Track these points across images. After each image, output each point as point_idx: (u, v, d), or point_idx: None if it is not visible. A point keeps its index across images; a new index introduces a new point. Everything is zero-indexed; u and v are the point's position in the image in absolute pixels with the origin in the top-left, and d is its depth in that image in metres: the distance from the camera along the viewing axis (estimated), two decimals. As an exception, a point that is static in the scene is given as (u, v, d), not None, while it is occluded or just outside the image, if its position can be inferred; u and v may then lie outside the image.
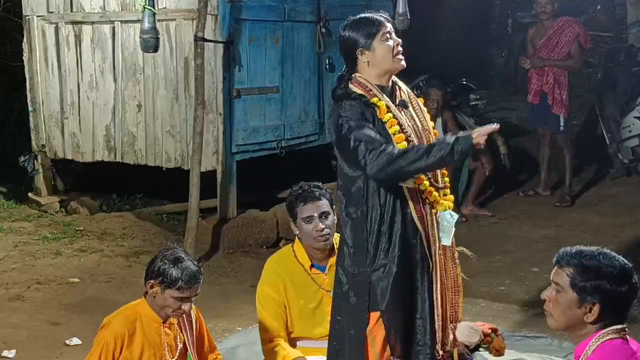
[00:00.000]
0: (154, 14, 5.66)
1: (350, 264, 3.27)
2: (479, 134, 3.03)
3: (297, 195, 3.70)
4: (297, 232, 3.74)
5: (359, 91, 3.25)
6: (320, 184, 3.79)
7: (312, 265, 3.78)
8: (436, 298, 3.29)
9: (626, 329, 2.52)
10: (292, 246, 3.84)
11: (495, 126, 3.06)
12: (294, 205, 3.70)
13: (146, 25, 5.64)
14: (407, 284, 3.24)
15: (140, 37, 5.75)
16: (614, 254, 2.54)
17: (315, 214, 3.65)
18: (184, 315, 3.44)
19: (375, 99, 3.24)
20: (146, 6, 5.58)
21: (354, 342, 3.27)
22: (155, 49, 5.79)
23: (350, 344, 3.30)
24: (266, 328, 3.74)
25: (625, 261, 2.52)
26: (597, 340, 2.48)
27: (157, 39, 5.70)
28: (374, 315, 3.24)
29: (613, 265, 2.49)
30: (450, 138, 3.06)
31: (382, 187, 3.20)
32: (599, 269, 2.48)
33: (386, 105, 3.26)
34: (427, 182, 3.24)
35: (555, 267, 2.56)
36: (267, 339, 3.74)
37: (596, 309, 2.48)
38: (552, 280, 2.57)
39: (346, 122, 3.19)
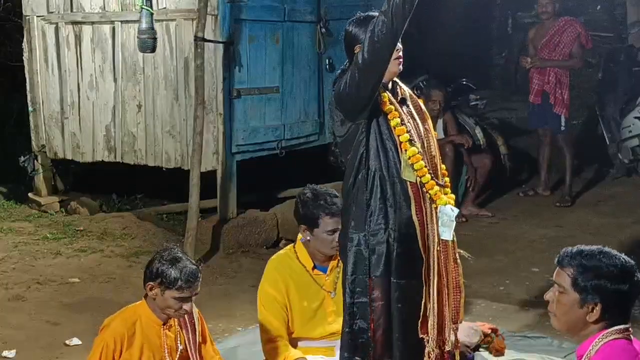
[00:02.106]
0: (152, 14, 5.67)
1: (352, 227, 3.26)
2: None
3: (320, 206, 3.65)
4: (309, 238, 3.71)
5: None
6: (334, 191, 3.77)
7: (314, 267, 3.78)
8: (432, 296, 3.27)
9: (630, 329, 2.51)
10: (294, 247, 3.84)
11: None
12: (317, 214, 3.64)
13: (144, 25, 5.66)
14: (399, 265, 3.24)
15: (137, 38, 5.76)
16: (615, 252, 2.53)
17: (338, 227, 3.63)
18: (186, 316, 3.45)
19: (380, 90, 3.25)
20: (143, 6, 5.59)
21: (354, 311, 3.26)
22: (153, 50, 5.80)
23: (349, 314, 3.28)
24: (267, 328, 3.74)
25: (627, 259, 2.51)
26: (600, 340, 2.47)
27: (155, 39, 5.72)
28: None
29: (614, 264, 2.48)
30: None
31: (386, 156, 3.22)
32: (599, 269, 2.48)
33: (389, 98, 3.27)
34: (429, 176, 3.24)
35: (557, 268, 2.56)
36: (268, 338, 3.74)
37: (598, 308, 2.47)
38: (554, 281, 2.57)
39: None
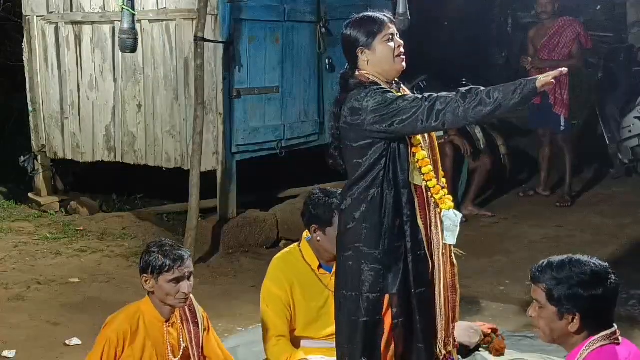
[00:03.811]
0: (133, 14, 5.69)
1: (363, 245, 3.24)
2: (546, 79, 2.99)
3: (333, 204, 3.66)
4: (320, 239, 3.71)
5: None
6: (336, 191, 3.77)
7: (319, 266, 3.78)
8: (439, 298, 3.29)
9: (616, 332, 2.51)
10: (299, 246, 3.85)
11: (563, 70, 3.04)
12: (330, 213, 3.66)
13: (125, 25, 5.68)
14: (415, 275, 3.25)
15: (118, 37, 5.78)
16: (585, 258, 2.53)
17: None
18: (187, 310, 3.47)
19: (393, 91, 3.24)
20: (124, 7, 5.61)
21: (369, 329, 3.25)
22: (133, 50, 5.84)
23: (363, 332, 3.26)
24: (270, 326, 3.75)
25: (599, 263, 2.51)
26: (587, 348, 2.47)
27: (135, 39, 5.74)
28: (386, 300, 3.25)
29: (583, 272, 2.48)
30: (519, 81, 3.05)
31: (396, 172, 3.20)
32: (570, 279, 2.48)
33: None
34: (435, 180, 3.25)
35: (532, 284, 2.57)
36: (270, 337, 3.75)
37: (577, 318, 2.47)
38: (532, 298, 2.57)
39: (382, 93, 3.17)
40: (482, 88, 3.07)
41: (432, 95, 3.12)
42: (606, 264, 2.52)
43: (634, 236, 6.75)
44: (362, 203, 3.23)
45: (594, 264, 2.50)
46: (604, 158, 8.64)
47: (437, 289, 3.29)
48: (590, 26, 9.29)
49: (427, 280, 3.28)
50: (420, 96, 3.15)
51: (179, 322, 3.45)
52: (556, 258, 2.55)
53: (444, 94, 3.11)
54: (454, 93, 3.08)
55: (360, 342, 3.25)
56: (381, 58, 3.25)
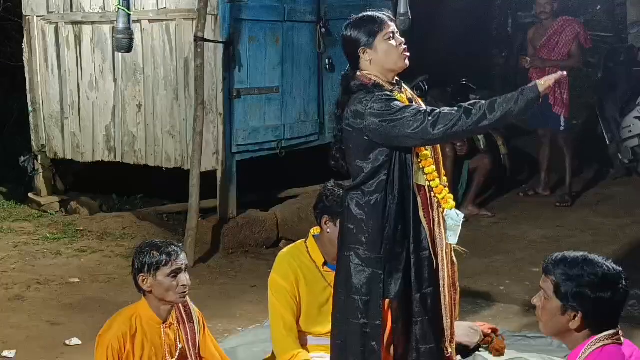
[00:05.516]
0: (129, 15, 5.69)
1: (364, 249, 3.23)
2: (547, 82, 3.04)
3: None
4: (330, 231, 3.72)
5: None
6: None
7: (324, 263, 3.80)
8: (444, 297, 3.29)
9: (619, 333, 2.50)
10: (305, 242, 3.87)
11: (562, 73, 3.08)
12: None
13: (120, 25, 5.69)
14: (417, 277, 3.25)
15: (114, 37, 5.79)
16: (599, 259, 2.51)
17: None
18: (182, 308, 3.49)
19: (395, 93, 3.24)
20: (120, 7, 5.62)
21: (366, 333, 3.24)
22: (129, 50, 5.84)
23: (360, 335, 3.25)
24: (278, 319, 3.77)
25: (612, 267, 2.49)
26: (589, 347, 2.47)
27: (131, 39, 5.75)
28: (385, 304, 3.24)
29: (594, 273, 2.46)
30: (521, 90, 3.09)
31: (402, 175, 3.20)
32: (580, 277, 2.47)
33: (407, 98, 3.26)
34: (438, 180, 3.25)
35: (543, 274, 2.56)
36: (280, 329, 3.76)
37: (579, 316, 2.47)
38: (540, 287, 2.57)
39: (386, 100, 3.16)
40: (484, 102, 3.07)
41: (434, 110, 3.10)
42: (620, 268, 2.50)
43: (634, 236, 6.75)
44: (364, 207, 3.22)
45: (607, 266, 2.48)
46: (604, 158, 8.64)
47: (441, 287, 3.29)
48: (590, 26, 9.29)
49: (433, 280, 3.27)
50: (423, 109, 3.13)
51: (176, 322, 3.47)
52: (572, 253, 2.54)
53: (446, 109, 3.09)
54: (456, 108, 3.08)
55: (357, 344, 3.25)
56: (383, 57, 3.25)
